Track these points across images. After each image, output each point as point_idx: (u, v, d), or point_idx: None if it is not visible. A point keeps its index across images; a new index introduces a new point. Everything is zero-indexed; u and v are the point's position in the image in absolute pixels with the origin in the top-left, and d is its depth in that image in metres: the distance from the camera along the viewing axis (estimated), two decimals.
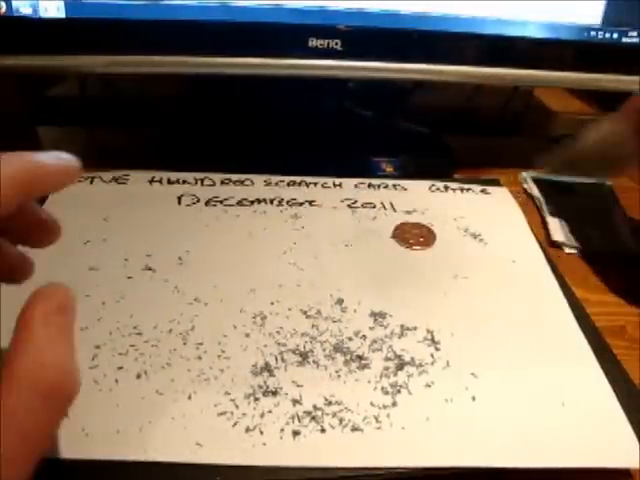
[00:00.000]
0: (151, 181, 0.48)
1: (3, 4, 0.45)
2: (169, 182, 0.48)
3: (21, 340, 0.20)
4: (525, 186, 0.54)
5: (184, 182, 0.48)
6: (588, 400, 0.32)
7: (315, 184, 0.49)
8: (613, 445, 0.29)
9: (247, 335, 0.34)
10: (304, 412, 0.30)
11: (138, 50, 0.48)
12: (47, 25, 0.46)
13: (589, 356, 0.34)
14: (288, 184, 0.49)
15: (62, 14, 0.46)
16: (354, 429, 0.29)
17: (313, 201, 0.46)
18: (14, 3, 0.45)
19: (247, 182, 0.49)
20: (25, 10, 0.46)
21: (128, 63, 0.48)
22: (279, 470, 0.27)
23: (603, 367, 0.34)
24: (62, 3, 0.46)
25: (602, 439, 0.30)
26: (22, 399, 0.19)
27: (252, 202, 0.46)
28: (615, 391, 0.32)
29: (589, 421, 0.30)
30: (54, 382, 0.20)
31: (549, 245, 0.46)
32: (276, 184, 0.49)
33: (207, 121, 0.62)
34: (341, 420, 0.29)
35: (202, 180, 0.48)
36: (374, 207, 0.47)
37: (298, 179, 0.49)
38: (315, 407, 0.30)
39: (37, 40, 0.47)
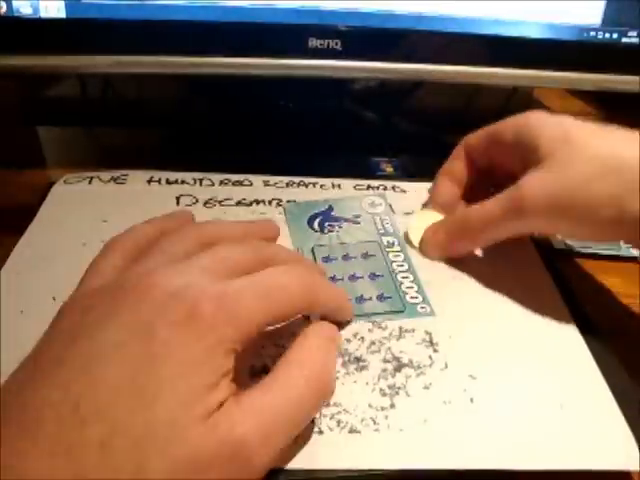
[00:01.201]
0: (149, 181, 0.48)
1: (3, 4, 0.45)
2: (168, 182, 0.48)
3: (298, 345, 0.28)
4: None
5: (183, 182, 0.48)
6: (587, 402, 0.32)
7: (314, 185, 0.49)
8: (612, 447, 0.29)
9: None
10: None
11: (138, 50, 0.48)
12: (47, 25, 0.46)
13: (588, 358, 0.34)
14: (287, 184, 0.48)
15: (62, 14, 0.46)
16: (352, 431, 0.29)
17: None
18: (14, 3, 0.45)
19: (246, 182, 0.48)
20: (25, 10, 0.46)
21: (128, 63, 0.48)
22: (276, 472, 0.27)
23: (602, 369, 0.34)
24: (62, 3, 0.46)
25: (601, 441, 0.30)
26: (293, 395, 0.26)
27: (251, 203, 0.46)
28: (614, 393, 0.32)
29: (588, 423, 0.30)
30: (318, 377, 0.27)
31: (548, 247, 0.46)
32: (275, 184, 0.48)
33: (207, 121, 0.62)
34: (339, 422, 0.29)
35: (201, 180, 0.48)
36: None
37: (297, 180, 0.49)
38: None
39: (37, 40, 0.47)
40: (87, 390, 0.22)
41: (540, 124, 0.37)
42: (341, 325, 0.34)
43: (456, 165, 0.43)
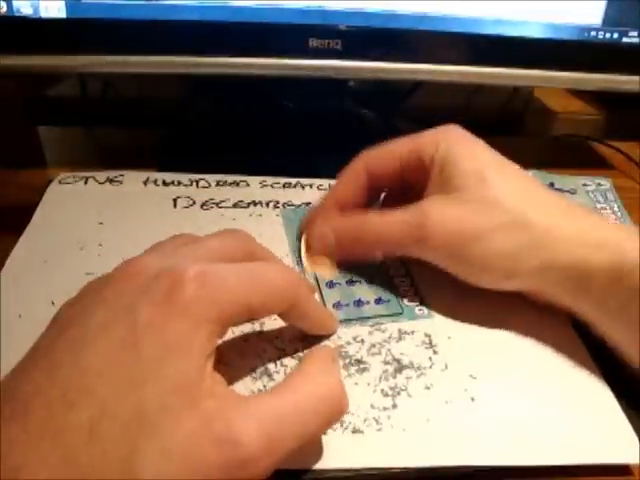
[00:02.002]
0: (146, 182, 0.48)
1: (4, 4, 0.45)
2: (164, 183, 0.48)
3: (299, 372, 0.27)
4: None
5: (179, 183, 0.48)
6: (586, 398, 0.32)
7: (311, 186, 0.49)
8: (612, 441, 0.30)
9: (245, 340, 0.34)
10: None
11: (138, 50, 0.48)
12: (48, 25, 0.46)
13: (585, 354, 0.34)
14: (284, 186, 0.48)
15: (63, 14, 0.46)
16: (355, 431, 0.29)
17: (309, 203, 0.46)
18: (15, 3, 0.45)
19: (242, 184, 0.48)
20: (26, 10, 0.46)
21: (128, 63, 0.48)
22: (280, 472, 0.27)
23: (599, 363, 0.34)
24: (63, 3, 0.46)
25: (601, 435, 0.30)
26: (302, 406, 0.25)
27: (248, 205, 0.46)
28: (612, 387, 0.32)
29: (587, 418, 0.31)
30: (332, 394, 0.26)
31: None
32: (272, 185, 0.48)
33: (207, 121, 0.62)
34: (342, 422, 0.29)
35: (197, 182, 0.48)
36: None
37: (294, 181, 0.49)
38: None
39: (37, 40, 0.47)
40: (74, 374, 0.22)
41: (458, 151, 0.36)
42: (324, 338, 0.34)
43: (345, 188, 0.40)
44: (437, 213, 0.35)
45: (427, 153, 0.37)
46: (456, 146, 0.36)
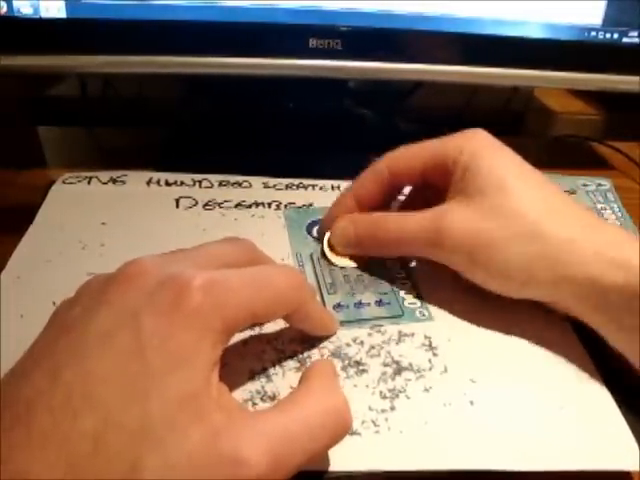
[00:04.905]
0: (149, 182, 0.48)
1: (4, 4, 0.45)
2: (167, 184, 0.48)
3: (303, 387, 0.27)
4: None
5: (182, 183, 0.48)
6: (586, 403, 0.32)
7: (313, 187, 0.49)
8: (612, 447, 0.30)
9: (245, 343, 0.33)
10: None
11: (138, 50, 0.48)
12: (48, 25, 0.46)
13: (586, 359, 0.34)
14: (286, 186, 0.48)
15: (63, 14, 0.46)
16: (352, 433, 0.29)
17: (311, 205, 0.46)
18: (15, 3, 0.45)
19: (245, 184, 0.48)
20: (26, 10, 0.46)
21: (128, 63, 0.48)
22: None
23: (601, 368, 0.34)
24: (63, 3, 0.46)
25: (601, 441, 0.30)
26: (310, 422, 0.25)
27: (250, 205, 0.46)
28: (613, 393, 0.32)
29: (587, 424, 0.30)
30: (339, 409, 0.26)
31: None
32: (274, 186, 0.48)
33: (207, 121, 0.62)
34: None
35: (200, 182, 0.48)
36: None
37: (296, 181, 0.49)
38: None
39: (37, 40, 0.47)
40: (77, 380, 0.22)
41: (482, 156, 0.36)
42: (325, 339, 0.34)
43: (366, 187, 0.40)
44: (454, 218, 0.35)
45: (451, 156, 0.37)
46: (480, 151, 0.36)
